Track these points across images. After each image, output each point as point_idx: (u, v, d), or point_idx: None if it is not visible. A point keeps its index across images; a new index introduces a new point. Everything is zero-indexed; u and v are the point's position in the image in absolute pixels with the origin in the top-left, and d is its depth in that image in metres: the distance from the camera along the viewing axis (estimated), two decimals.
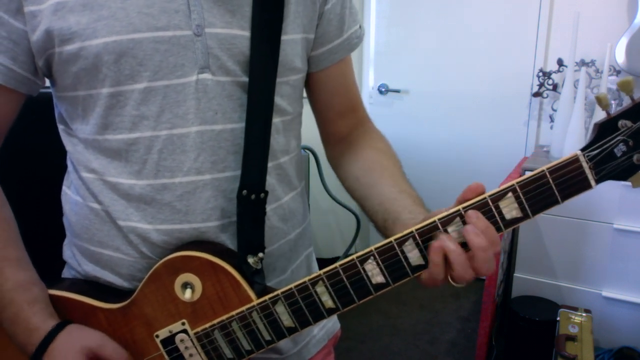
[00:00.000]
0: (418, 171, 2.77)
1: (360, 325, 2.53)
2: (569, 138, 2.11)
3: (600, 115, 0.79)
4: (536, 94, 2.56)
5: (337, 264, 0.62)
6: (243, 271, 0.68)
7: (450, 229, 0.59)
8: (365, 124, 0.86)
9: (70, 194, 0.77)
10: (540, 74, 2.53)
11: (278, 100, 0.73)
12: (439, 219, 0.59)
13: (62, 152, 0.77)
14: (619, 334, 2.01)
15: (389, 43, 2.98)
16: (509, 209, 0.58)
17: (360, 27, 0.83)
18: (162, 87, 0.66)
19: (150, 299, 0.69)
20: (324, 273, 0.63)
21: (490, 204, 0.58)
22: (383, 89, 3.02)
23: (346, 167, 0.81)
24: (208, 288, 0.67)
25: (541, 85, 2.53)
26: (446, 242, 0.57)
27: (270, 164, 0.73)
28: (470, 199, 0.58)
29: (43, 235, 0.79)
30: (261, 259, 0.70)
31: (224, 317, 0.67)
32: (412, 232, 0.59)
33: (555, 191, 0.57)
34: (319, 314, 0.64)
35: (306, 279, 0.63)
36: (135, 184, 0.69)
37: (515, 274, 2.20)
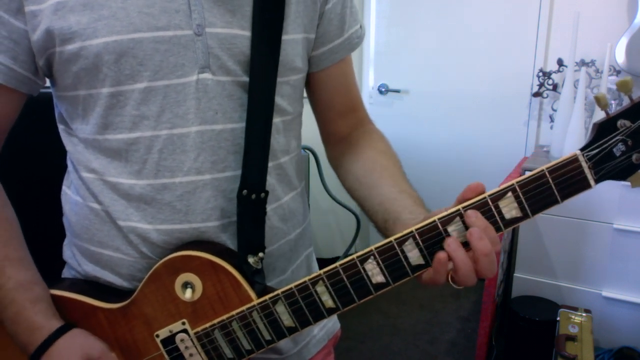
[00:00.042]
0: (418, 171, 2.77)
1: (360, 325, 2.53)
2: (569, 138, 2.11)
3: (600, 115, 0.79)
4: (536, 94, 2.56)
5: (337, 264, 0.62)
6: (243, 271, 0.68)
7: (450, 228, 0.59)
8: (365, 124, 0.86)
9: (70, 194, 0.77)
10: (540, 74, 2.53)
11: (278, 100, 0.73)
12: (439, 219, 0.59)
13: (62, 152, 0.77)
14: (619, 334, 2.01)
15: (389, 43, 2.98)
16: (509, 208, 0.58)
17: (361, 26, 0.83)
18: (163, 86, 0.66)
19: (150, 299, 0.69)
20: (324, 273, 0.63)
21: (490, 203, 0.58)
22: (383, 89, 3.02)
23: (346, 167, 0.81)
24: (208, 288, 0.67)
25: (541, 85, 2.53)
26: (456, 251, 0.57)
27: (270, 164, 0.73)
28: (470, 199, 0.58)
29: (43, 235, 0.79)
30: (261, 259, 0.70)
31: (224, 317, 0.67)
32: (412, 231, 0.59)
33: (555, 191, 0.57)
34: (319, 313, 0.64)
35: (306, 278, 0.63)
36: (136, 184, 0.69)
37: (515, 274, 2.20)
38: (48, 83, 0.73)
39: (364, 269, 0.61)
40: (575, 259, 2.07)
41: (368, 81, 3.06)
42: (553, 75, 2.50)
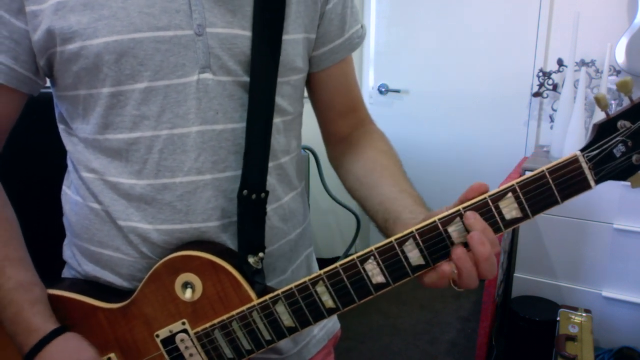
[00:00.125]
0: (418, 171, 2.76)
1: (360, 325, 2.53)
2: (569, 138, 2.11)
3: (600, 115, 0.79)
4: (536, 94, 2.56)
5: (337, 264, 0.62)
6: (243, 271, 0.68)
7: (450, 229, 0.59)
8: (366, 124, 0.86)
9: (70, 194, 0.77)
10: (540, 74, 2.53)
11: (279, 100, 0.73)
12: (439, 219, 0.59)
13: (62, 152, 0.77)
14: (619, 334, 2.01)
15: (389, 43, 2.98)
16: (509, 209, 0.58)
17: (362, 26, 0.83)
18: (163, 86, 0.66)
19: (150, 299, 0.69)
20: (325, 273, 0.63)
21: (490, 204, 0.58)
22: (383, 89, 3.02)
23: (347, 167, 0.81)
24: (208, 288, 0.67)
25: (541, 85, 2.53)
26: (463, 261, 0.57)
27: (270, 164, 0.73)
28: (472, 199, 0.59)
29: (43, 235, 0.79)
30: (261, 259, 0.70)
31: (224, 317, 0.67)
32: (412, 232, 0.59)
33: (555, 191, 0.57)
34: (319, 313, 0.64)
35: (306, 278, 0.63)
36: (136, 184, 0.69)
37: (515, 274, 2.20)
38: (48, 83, 0.73)
39: (364, 269, 0.61)
40: (575, 259, 2.07)
41: (368, 81, 3.06)
42: (553, 75, 2.50)
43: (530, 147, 2.66)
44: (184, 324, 0.68)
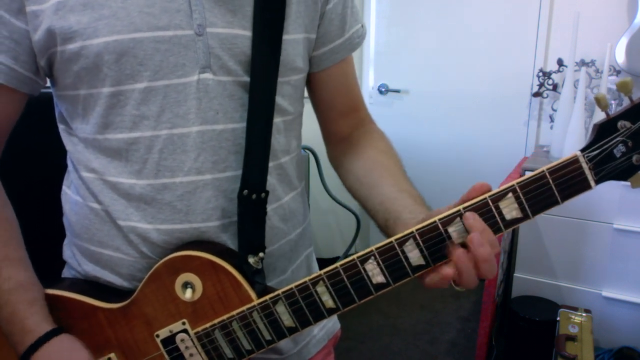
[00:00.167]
0: (418, 171, 2.75)
1: (360, 325, 2.53)
2: (569, 138, 2.11)
3: (600, 115, 0.79)
4: (536, 94, 2.56)
5: (337, 264, 0.62)
6: (244, 271, 0.68)
7: (450, 229, 0.59)
8: (367, 124, 0.86)
9: (70, 194, 0.77)
10: (540, 74, 2.53)
11: (279, 100, 0.73)
12: (439, 219, 0.59)
13: (62, 152, 0.77)
14: (619, 334, 2.01)
15: (389, 43, 2.98)
16: (509, 209, 0.58)
17: (362, 26, 0.83)
18: (163, 86, 0.66)
19: (150, 299, 0.69)
20: (325, 273, 0.63)
21: (491, 204, 0.58)
22: (383, 89, 3.02)
23: (347, 167, 0.81)
24: (208, 288, 0.67)
25: (541, 85, 2.53)
26: (464, 263, 0.57)
27: (271, 164, 0.73)
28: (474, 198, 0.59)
29: (43, 235, 0.79)
30: (262, 259, 0.70)
31: (224, 317, 0.67)
32: (412, 232, 0.59)
33: (555, 192, 0.57)
34: (319, 313, 0.64)
35: (307, 278, 0.63)
36: (136, 184, 0.69)
37: (515, 274, 2.20)
38: (48, 83, 0.73)
39: (364, 269, 0.61)
40: (575, 259, 2.07)
41: (368, 81, 3.06)
42: (553, 75, 2.50)
43: (530, 147, 2.66)
44: (184, 324, 0.68)
